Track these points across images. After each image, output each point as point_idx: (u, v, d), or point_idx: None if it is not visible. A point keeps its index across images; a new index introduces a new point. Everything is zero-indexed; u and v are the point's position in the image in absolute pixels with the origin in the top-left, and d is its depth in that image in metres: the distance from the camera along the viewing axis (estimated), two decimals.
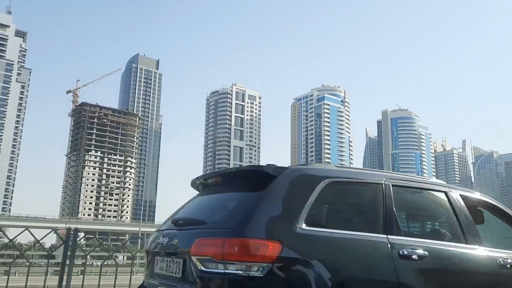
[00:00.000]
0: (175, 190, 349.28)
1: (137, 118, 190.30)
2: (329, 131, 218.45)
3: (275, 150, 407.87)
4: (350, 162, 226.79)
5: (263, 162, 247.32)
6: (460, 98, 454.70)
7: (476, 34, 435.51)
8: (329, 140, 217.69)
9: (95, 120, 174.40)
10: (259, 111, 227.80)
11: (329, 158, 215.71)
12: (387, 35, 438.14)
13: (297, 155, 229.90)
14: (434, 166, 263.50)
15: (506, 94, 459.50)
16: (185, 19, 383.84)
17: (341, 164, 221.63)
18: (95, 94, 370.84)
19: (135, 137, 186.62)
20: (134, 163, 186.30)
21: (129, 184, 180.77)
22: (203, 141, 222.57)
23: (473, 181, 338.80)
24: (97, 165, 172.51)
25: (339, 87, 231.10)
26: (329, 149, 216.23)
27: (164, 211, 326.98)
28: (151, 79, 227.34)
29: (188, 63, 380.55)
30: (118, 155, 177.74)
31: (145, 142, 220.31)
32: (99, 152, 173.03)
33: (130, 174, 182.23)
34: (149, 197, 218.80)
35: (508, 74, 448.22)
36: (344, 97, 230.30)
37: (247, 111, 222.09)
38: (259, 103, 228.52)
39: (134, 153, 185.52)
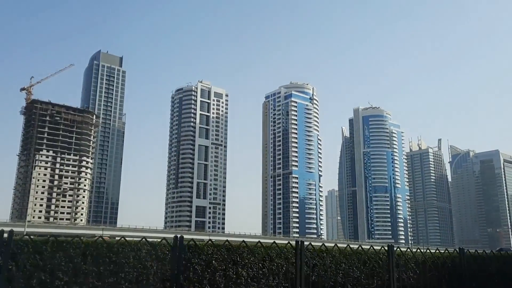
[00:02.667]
0: (141, 191, 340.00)
1: (94, 116, 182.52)
2: (296, 129, 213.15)
3: (246, 150, 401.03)
4: (319, 161, 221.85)
5: (230, 162, 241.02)
6: (437, 97, 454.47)
7: (453, 32, 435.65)
8: (296, 138, 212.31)
9: (47, 118, 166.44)
10: (226, 109, 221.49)
11: (296, 156, 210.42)
12: (362, 32, 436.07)
13: (267, 155, 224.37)
14: (406, 165, 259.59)
15: (483, 93, 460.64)
16: (151, 15, 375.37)
17: (309, 163, 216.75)
18: (57, 92, 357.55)
19: (92, 136, 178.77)
20: (91, 163, 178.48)
21: (85, 185, 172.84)
22: (168, 140, 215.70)
23: (449, 180, 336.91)
24: (48, 165, 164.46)
25: (307, 84, 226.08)
26: (296, 147, 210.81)
27: (128, 212, 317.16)
28: (113, 77, 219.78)
29: (155, 60, 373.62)
30: (72, 154, 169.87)
31: (107, 142, 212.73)
32: (51, 152, 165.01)
33: (86, 174, 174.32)
34: (112, 198, 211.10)
35: (486, 72, 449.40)
36: (312, 95, 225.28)
37: (213, 109, 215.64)
38: (226, 100, 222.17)
39: (90, 152, 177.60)
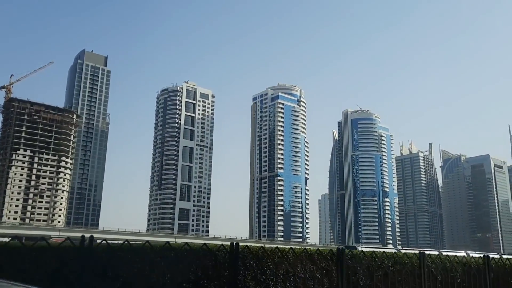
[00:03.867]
0: (124, 192, 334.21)
1: (75, 115, 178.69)
2: (282, 131, 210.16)
3: (234, 152, 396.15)
4: (306, 164, 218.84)
5: (217, 164, 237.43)
6: (430, 101, 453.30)
7: (444, 37, 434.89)
8: (282, 140, 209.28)
9: (25, 117, 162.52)
10: (213, 110, 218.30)
11: (282, 159, 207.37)
12: (353, 36, 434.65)
13: (254, 157, 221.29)
14: (394, 168, 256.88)
15: (475, 97, 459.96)
16: (140, 14, 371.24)
17: (295, 165, 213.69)
18: (42, 91, 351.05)
19: (72, 136, 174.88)
20: (70, 164, 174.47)
21: (63, 186, 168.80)
22: (152, 141, 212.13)
23: (440, 184, 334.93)
24: (26, 165, 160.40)
25: (295, 86, 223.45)
26: (282, 149, 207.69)
27: (111, 214, 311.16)
28: (98, 76, 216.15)
29: (142, 60, 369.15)
30: (50, 154, 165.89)
31: (90, 142, 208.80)
32: (28, 151, 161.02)
33: (65, 175, 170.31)
34: (94, 199, 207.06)
35: (478, 76, 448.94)
36: (300, 97, 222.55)
37: (199, 109, 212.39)
38: (213, 101, 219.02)
39: (70, 152, 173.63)
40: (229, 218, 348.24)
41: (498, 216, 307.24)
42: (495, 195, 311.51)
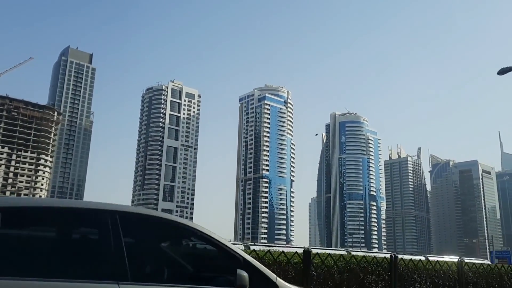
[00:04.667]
0: (107, 192, 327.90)
1: (56, 113, 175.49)
2: (268, 132, 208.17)
3: (221, 153, 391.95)
4: (292, 166, 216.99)
5: (202, 164, 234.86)
6: (420, 105, 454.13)
7: (433, 40, 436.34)
8: (268, 142, 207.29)
9: (4, 113, 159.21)
10: (198, 110, 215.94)
11: (267, 160, 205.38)
12: (342, 39, 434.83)
13: (240, 158, 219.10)
14: (382, 172, 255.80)
15: (464, 102, 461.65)
16: (128, 12, 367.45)
17: (281, 167, 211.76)
18: (27, 88, 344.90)
19: (53, 134, 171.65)
20: (50, 161, 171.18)
21: (42, 184, 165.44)
22: (136, 140, 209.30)
23: (428, 189, 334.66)
24: (3, 162, 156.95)
25: (282, 87, 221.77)
26: (268, 151, 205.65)
27: None
28: (82, 74, 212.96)
29: (129, 58, 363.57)
30: (29, 152, 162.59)
31: (72, 140, 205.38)
32: (6, 148, 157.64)
33: (44, 173, 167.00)
34: (75, 199, 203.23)
35: (468, 83, 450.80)
36: (287, 98, 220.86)
37: (184, 109, 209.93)
38: (199, 101, 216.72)
39: (50, 150, 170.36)
40: (214, 219, 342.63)
41: (485, 222, 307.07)
42: (483, 201, 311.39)
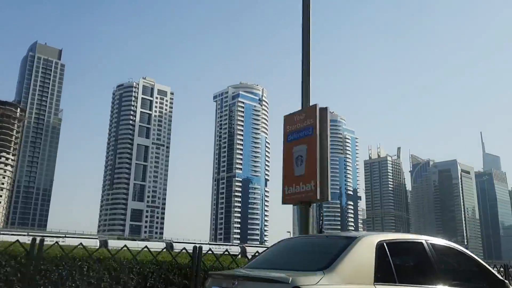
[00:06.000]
0: (76, 192, 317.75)
1: (18, 109, 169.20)
2: (242, 130, 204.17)
3: (196, 152, 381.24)
4: (266, 165, 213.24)
5: (172, 163, 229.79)
6: (402, 106, 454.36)
7: (412, 39, 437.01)
8: (242, 140, 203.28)
9: None
10: (171, 107, 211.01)
11: (241, 159, 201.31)
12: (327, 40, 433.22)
13: (214, 157, 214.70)
14: (359, 171, 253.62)
15: (445, 102, 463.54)
16: (100, 8, 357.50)
17: (255, 166, 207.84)
18: None
19: (15, 131, 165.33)
20: (12, 160, 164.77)
21: (2, 184, 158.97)
22: (106, 138, 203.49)
23: (408, 189, 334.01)
24: None
25: (257, 85, 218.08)
26: (241, 149, 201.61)
27: (61, 214, 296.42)
28: (50, 70, 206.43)
29: (101, 55, 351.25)
30: None
31: (39, 138, 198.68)
32: None
33: (5, 172, 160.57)
34: (42, 199, 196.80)
35: (448, 84, 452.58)
36: (262, 96, 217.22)
37: (156, 106, 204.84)
38: (171, 99, 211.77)
39: (12, 148, 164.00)
40: (189, 219, 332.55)
41: (464, 222, 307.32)
42: (462, 201, 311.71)
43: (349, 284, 3.77)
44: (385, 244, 4.28)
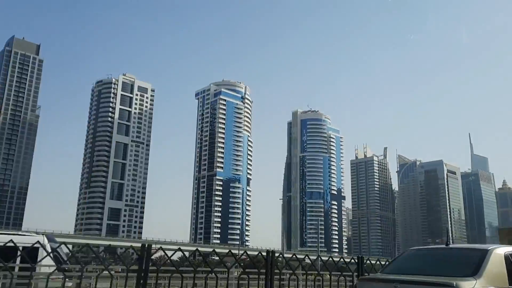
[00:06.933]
0: (54, 190, 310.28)
1: None
2: (223, 128, 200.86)
3: (178, 150, 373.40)
4: (248, 164, 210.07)
5: (153, 161, 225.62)
6: (390, 106, 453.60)
7: (399, 40, 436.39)
8: (223, 138, 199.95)
9: None
10: (151, 104, 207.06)
11: (222, 157, 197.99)
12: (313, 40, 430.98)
13: (195, 155, 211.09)
14: (344, 171, 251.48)
15: (432, 101, 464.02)
16: (81, 3, 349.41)
17: (236, 165, 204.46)
18: None
19: None
20: None
21: None
22: (85, 136, 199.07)
23: (395, 189, 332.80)
24: None
25: (240, 82, 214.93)
26: (223, 147, 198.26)
27: (37, 214, 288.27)
28: (28, 65, 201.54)
29: (80, 51, 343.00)
30: None
31: (15, 135, 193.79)
32: None
33: None
34: (17, 197, 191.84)
35: (436, 84, 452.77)
36: (244, 93, 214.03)
37: (136, 104, 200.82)
38: (152, 96, 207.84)
39: None
40: (170, 219, 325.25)
41: (449, 222, 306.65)
42: (447, 201, 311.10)
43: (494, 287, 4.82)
44: (509, 255, 5.43)
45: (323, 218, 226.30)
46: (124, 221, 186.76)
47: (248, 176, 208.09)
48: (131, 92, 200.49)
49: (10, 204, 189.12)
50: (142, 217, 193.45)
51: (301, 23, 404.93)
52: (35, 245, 6.84)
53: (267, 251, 6.89)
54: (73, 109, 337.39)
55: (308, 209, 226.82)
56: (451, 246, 6.11)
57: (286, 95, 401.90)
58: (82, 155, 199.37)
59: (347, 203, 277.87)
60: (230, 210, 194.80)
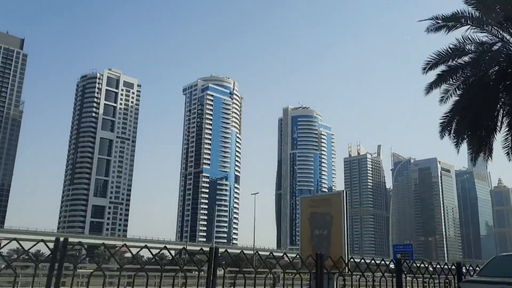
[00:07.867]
0: (38, 187, 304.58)
1: None
2: (211, 124, 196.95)
3: (165, 147, 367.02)
4: (237, 161, 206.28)
5: (139, 158, 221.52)
6: (385, 103, 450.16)
7: (393, 39, 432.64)
8: (210, 135, 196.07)
9: None
10: (138, 100, 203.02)
11: (209, 154, 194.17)
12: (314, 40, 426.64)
13: (182, 152, 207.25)
14: (335, 168, 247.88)
15: (426, 100, 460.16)
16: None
17: (224, 162, 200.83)
18: None
19: None
20: None
21: None
22: (69, 132, 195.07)
23: (389, 187, 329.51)
24: None
25: (228, 78, 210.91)
26: (210, 144, 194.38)
27: (21, 211, 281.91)
28: (11, 60, 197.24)
29: (66, 45, 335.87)
30: None
31: None
32: None
33: None
34: (0, 194, 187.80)
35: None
36: (233, 89, 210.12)
37: (121, 99, 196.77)
38: (138, 91, 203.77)
39: None
40: (156, 216, 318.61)
41: (443, 220, 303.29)
42: (441, 199, 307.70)
43: None
44: None
45: None
46: (108, 218, 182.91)
47: (237, 173, 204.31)
48: (117, 87, 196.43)
49: None
50: (127, 215, 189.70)
51: (292, 19, 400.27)
52: None
53: (210, 248, 6.71)
54: (57, 104, 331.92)
55: (298, 206, 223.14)
56: None
57: (277, 92, 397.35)
58: (66, 152, 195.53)
59: None
60: (217, 208, 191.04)
